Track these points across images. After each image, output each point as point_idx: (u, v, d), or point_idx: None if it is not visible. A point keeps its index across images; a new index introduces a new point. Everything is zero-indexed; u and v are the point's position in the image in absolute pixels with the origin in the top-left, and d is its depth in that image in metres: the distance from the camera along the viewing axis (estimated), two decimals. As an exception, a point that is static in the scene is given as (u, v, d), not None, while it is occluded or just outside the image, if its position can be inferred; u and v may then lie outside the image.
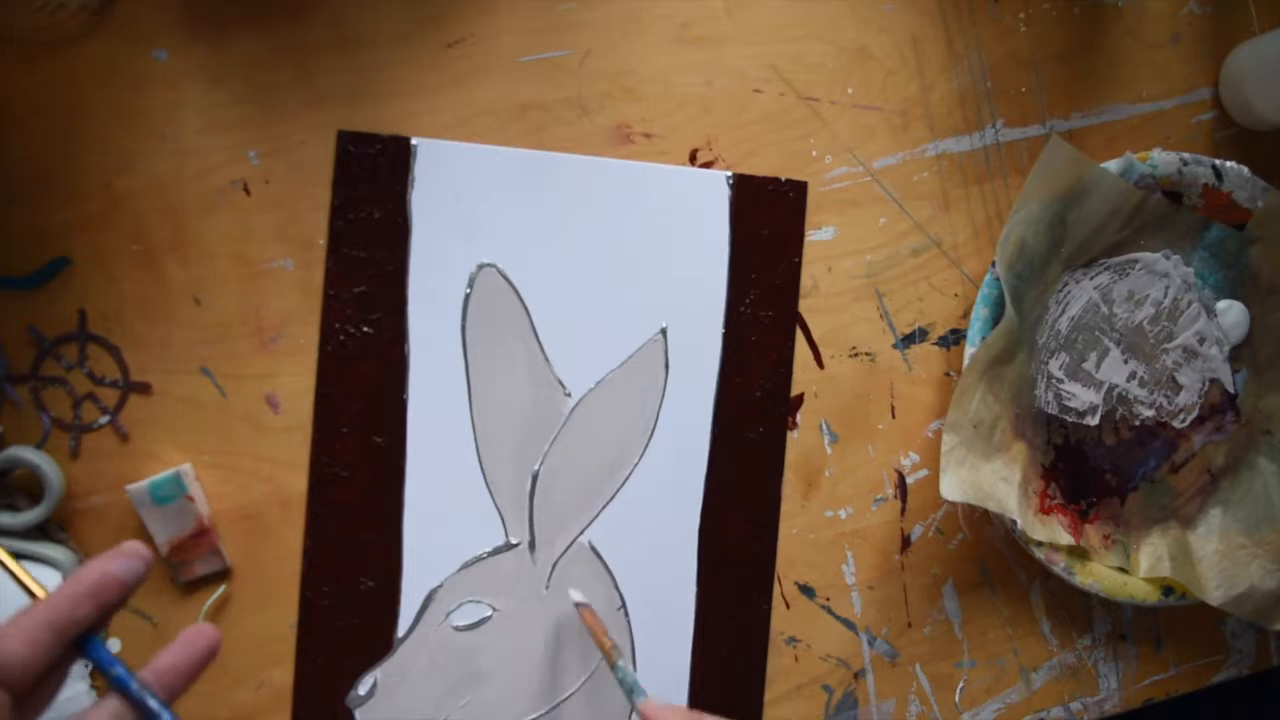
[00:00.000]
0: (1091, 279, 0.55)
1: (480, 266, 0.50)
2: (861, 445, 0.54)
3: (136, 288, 0.48)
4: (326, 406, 0.49)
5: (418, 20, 0.49)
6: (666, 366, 0.51)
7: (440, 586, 0.50)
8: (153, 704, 0.29)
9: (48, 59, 0.47)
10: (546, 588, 0.51)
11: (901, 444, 0.54)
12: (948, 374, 0.55)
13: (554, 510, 0.51)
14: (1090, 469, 0.55)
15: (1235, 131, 0.57)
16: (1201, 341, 0.56)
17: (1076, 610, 0.56)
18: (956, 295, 0.54)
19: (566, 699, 0.51)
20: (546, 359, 0.50)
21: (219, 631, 0.32)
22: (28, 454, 0.46)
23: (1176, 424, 0.56)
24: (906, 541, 0.54)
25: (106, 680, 0.30)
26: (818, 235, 0.53)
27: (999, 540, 0.55)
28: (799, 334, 0.53)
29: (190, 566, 0.47)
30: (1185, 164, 0.53)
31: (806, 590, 0.53)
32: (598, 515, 0.51)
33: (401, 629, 0.49)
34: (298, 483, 0.49)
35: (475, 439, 0.50)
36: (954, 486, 0.49)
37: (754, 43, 0.52)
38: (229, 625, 0.49)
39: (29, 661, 0.29)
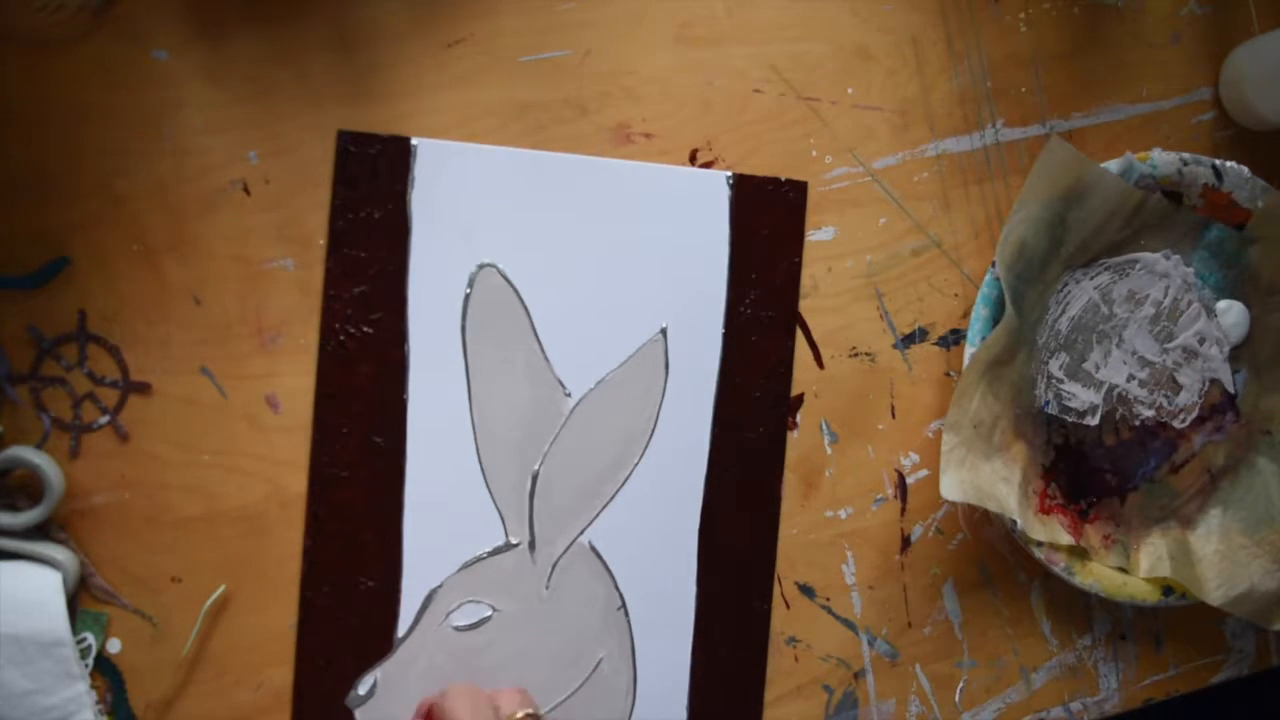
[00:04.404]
0: (1091, 279, 0.55)
1: (480, 266, 0.50)
2: (861, 445, 0.54)
3: (136, 288, 0.48)
4: (326, 406, 0.49)
5: (418, 20, 0.49)
6: (666, 366, 0.51)
7: (440, 586, 0.50)
8: None
9: (48, 59, 0.47)
10: (546, 588, 0.51)
11: (901, 444, 0.54)
12: (948, 374, 0.55)
13: (554, 510, 0.51)
14: (1090, 469, 0.55)
15: (1235, 131, 0.57)
16: (1201, 341, 0.56)
17: (1076, 610, 0.56)
18: (956, 295, 0.54)
19: (567, 699, 0.51)
20: (546, 359, 0.50)
21: None
22: (28, 454, 0.46)
23: (1176, 424, 0.56)
24: (906, 541, 0.54)
25: None
26: (818, 235, 0.53)
27: (999, 540, 0.55)
28: (799, 334, 0.53)
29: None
30: (1185, 164, 0.53)
31: (806, 590, 0.53)
32: (598, 515, 0.51)
33: (401, 629, 0.49)
34: (298, 483, 0.49)
35: (475, 439, 0.50)
36: (954, 486, 0.49)
37: (754, 43, 0.52)
38: (229, 625, 0.49)
39: None
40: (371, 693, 0.49)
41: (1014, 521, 0.51)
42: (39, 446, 0.47)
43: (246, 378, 0.49)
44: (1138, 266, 0.55)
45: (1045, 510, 0.54)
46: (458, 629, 0.50)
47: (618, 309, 0.51)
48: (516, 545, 0.50)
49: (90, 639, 0.47)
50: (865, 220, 0.53)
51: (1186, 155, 0.53)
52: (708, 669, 0.52)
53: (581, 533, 0.51)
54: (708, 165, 0.52)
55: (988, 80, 0.54)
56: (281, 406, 0.49)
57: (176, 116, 0.48)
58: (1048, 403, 0.55)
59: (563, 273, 0.50)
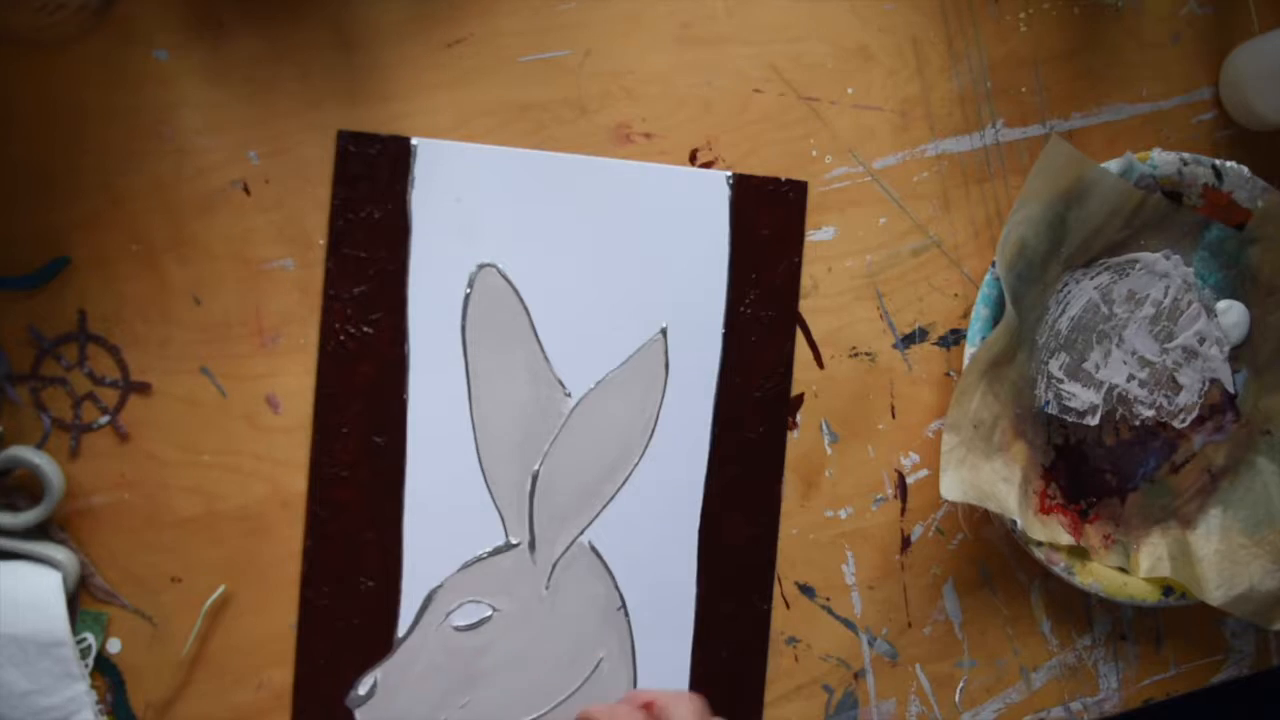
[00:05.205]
0: (1091, 279, 0.55)
1: (480, 266, 0.50)
2: (861, 445, 0.54)
3: (136, 288, 0.48)
4: (326, 406, 0.49)
5: (418, 20, 0.49)
6: (666, 366, 0.51)
7: (440, 586, 0.50)
8: None
9: (48, 59, 0.47)
10: (546, 588, 0.51)
11: (901, 444, 0.54)
12: (948, 374, 0.55)
13: (554, 510, 0.51)
14: (1090, 469, 0.55)
15: (1235, 131, 0.57)
16: (1201, 341, 0.56)
17: (1076, 610, 0.56)
18: (956, 295, 0.54)
19: (567, 699, 0.51)
20: (546, 359, 0.50)
21: None
22: (28, 454, 0.46)
23: (1176, 424, 0.56)
24: (906, 541, 0.54)
25: None
26: (818, 235, 0.53)
27: (999, 540, 0.55)
28: (799, 334, 0.53)
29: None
30: (1185, 164, 0.53)
31: (806, 590, 0.53)
32: (598, 515, 0.51)
33: (401, 629, 0.49)
34: (298, 483, 0.49)
35: (475, 439, 0.50)
36: (954, 486, 0.49)
37: (754, 43, 0.52)
38: (229, 625, 0.49)
39: None
40: (371, 693, 0.49)
41: (1014, 521, 0.51)
42: (39, 446, 0.47)
43: (246, 378, 0.49)
44: (1138, 266, 0.55)
45: (1045, 510, 0.54)
46: (458, 629, 0.50)
47: (618, 309, 0.51)
48: (516, 545, 0.50)
49: (90, 639, 0.47)
50: (865, 220, 0.53)
51: (1186, 155, 0.53)
52: (708, 669, 0.52)
53: (581, 533, 0.51)
54: (708, 165, 0.52)
55: (988, 80, 0.54)
56: (281, 406, 0.49)
57: (176, 116, 0.48)
58: (1048, 403, 0.55)
59: (563, 273, 0.50)
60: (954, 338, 0.54)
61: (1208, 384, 0.56)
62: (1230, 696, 0.62)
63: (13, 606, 0.45)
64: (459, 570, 0.50)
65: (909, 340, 0.54)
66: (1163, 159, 0.53)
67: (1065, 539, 0.53)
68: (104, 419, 0.48)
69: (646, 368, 0.51)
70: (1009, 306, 0.50)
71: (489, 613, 0.50)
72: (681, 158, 0.52)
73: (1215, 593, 0.53)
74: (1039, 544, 0.52)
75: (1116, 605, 0.56)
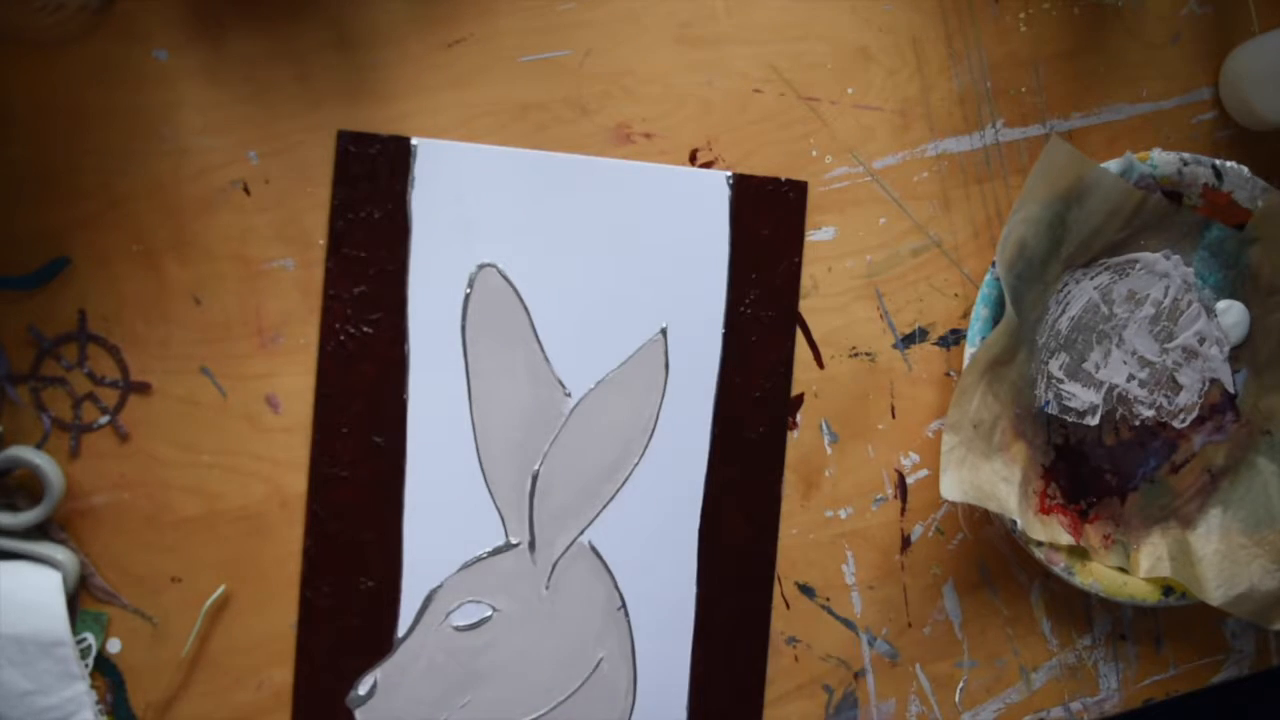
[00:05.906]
0: (1091, 279, 0.55)
1: (480, 266, 0.50)
2: (861, 445, 0.54)
3: (136, 288, 0.48)
4: (326, 406, 0.49)
5: (418, 20, 0.49)
6: (666, 366, 0.51)
7: (440, 586, 0.50)
8: None
9: (48, 59, 0.47)
10: (546, 588, 0.51)
11: (901, 444, 0.54)
12: (948, 374, 0.55)
13: (554, 510, 0.51)
14: (1090, 469, 0.55)
15: (1235, 131, 0.57)
16: (1201, 341, 0.56)
17: (1076, 610, 0.56)
18: (956, 295, 0.54)
19: (566, 699, 0.51)
20: (546, 359, 0.50)
21: None
22: (28, 454, 0.46)
23: (1176, 424, 0.56)
24: (906, 541, 0.54)
25: None
26: (818, 235, 0.53)
27: (999, 540, 0.55)
28: (799, 334, 0.53)
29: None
30: (1185, 164, 0.53)
31: (806, 590, 0.53)
32: (598, 515, 0.51)
33: (401, 629, 0.49)
34: (298, 483, 0.49)
35: (475, 439, 0.50)
36: (954, 486, 0.49)
37: (754, 43, 0.52)
38: (229, 625, 0.49)
39: None
40: (371, 693, 0.49)
41: (1014, 521, 0.51)
42: (39, 446, 0.47)
43: (246, 378, 0.49)
44: (1138, 266, 0.55)
45: (1045, 510, 0.54)
46: (458, 629, 0.50)
47: (618, 309, 0.51)
48: (516, 545, 0.50)
49: (90, 639, 0.47)
50: (865, 220, 0.53)
51: (1186, 155, 0.53)
52: (708, 669, 0.52)
53: (581, 533, 0.51)
54: (708, 165, 0.52)
55: (988, 80, 0.54)
56: (281, 406, 0.49)
57: (176, 116, 0.48)
58: (1048, 403, 0.55)
59: (563, 273, 0.50)
60: (954, 338, 0.54)
61: (1208, 384, 0.56)
62: (1230, 696, 0.62)
63: (13, 606, 0.45)
64: (459, 570, 0.50)
65: (909, 340, 0.54)
66: (1163, 159, 0.53)
67: (1065, 539, 0.53)
68: (104, 419, 0.48)
69: (646, 368, 0.51)
70: (1009, 306, 0.50)
71: (489, 613, 0.50)
72: (681, 158, 0.52)
73: (1215, 593, 0.53)
74: (1039, 544, 0.52)
75: (1116, 605, 0.56)
